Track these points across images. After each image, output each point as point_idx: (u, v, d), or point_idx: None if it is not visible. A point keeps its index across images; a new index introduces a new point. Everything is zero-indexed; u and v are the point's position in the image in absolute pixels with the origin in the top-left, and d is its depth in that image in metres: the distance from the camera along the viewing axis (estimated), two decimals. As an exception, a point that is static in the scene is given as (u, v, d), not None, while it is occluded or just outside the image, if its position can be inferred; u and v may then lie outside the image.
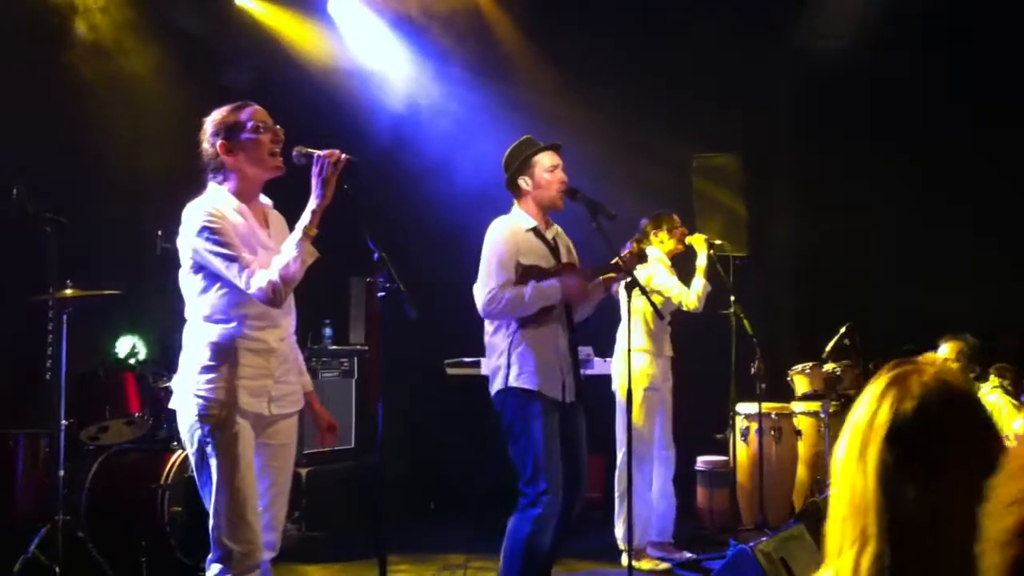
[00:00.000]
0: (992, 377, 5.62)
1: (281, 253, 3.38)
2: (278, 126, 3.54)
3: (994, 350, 5.95)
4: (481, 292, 4.39)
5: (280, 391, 3.56)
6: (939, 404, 1.41)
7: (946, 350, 5.58)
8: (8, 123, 5.78)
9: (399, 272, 3.78)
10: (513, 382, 4.32)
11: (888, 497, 1.38)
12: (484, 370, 4.64)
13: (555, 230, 4.63)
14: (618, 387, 5.94)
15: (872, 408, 1.44)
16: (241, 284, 3.32)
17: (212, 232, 3.33)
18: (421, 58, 7.96)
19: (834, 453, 1.50)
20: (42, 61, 6.36)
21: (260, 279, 3.31)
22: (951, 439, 1.40)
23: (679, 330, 6.21)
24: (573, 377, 4.46)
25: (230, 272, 3.33)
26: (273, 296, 3.33)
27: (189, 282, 3.47)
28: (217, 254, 3.33)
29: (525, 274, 4.38)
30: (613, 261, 4.60)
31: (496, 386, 4.41)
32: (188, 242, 3.39)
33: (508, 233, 4.45)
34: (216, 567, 3.35)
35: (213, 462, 3.35)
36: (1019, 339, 6.39)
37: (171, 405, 3.55)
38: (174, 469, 5.23)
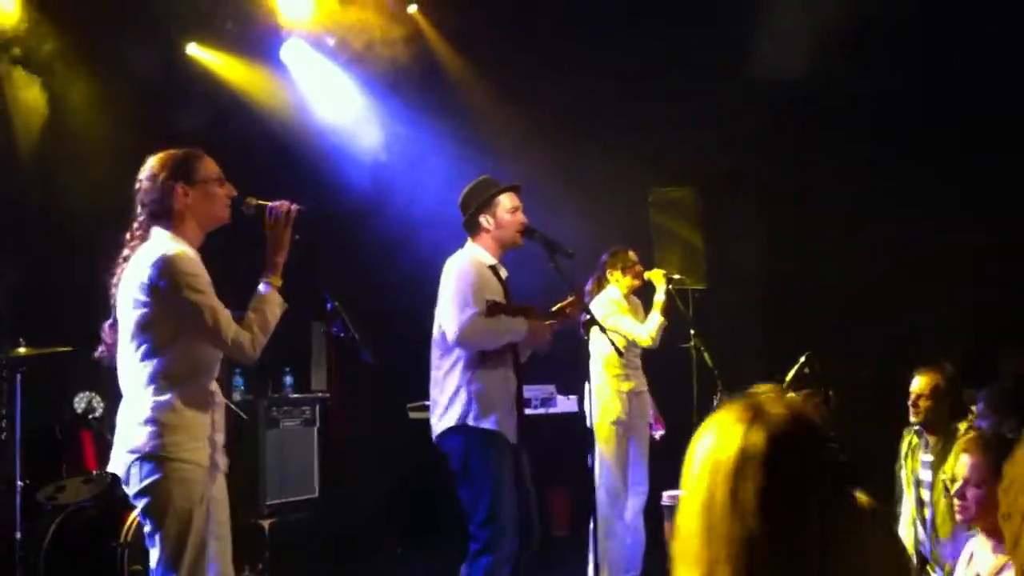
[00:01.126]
0: (970, 415, 4.89)
1: (254, 310, 3.33)
2: (227, 181, 3.50)
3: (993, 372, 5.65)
4: (455, 318, 4.33)
5: (221, 443, 3.46)
6: (789, 436, 1.38)
7: (918, 384, 4.90)
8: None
9: (356, 316, 3.77)
10: (472, 422, 4.30)
11: (741, 532, 1.34)
12: (431, 412, 4.55)
13: (505, 272, 4.64)
14: (590, 424, 5.94)
15: (736, 441, 1.40)
16: (222, 336, 3.21)
17: (188, 278, 3.19)
18: (373, 102, 7.96)
19: (680, 499, 1.46)
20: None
21: (242, 335, 3.24)
22: (801, 475, 1.37)
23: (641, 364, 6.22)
24: (519, 418, 4.47)
25: (210, 322, 3.19)
26: (253, 352, 3.28)
27: (141, 336, 3.24)
28: (196, 302, 3.18)
29: (491, 309, 4.39)
30: (558, 306, 4.62)
31: (447, 423, 4.36)
32: (149, 290, 3.19)
33: (476, 265, 4.46)
34: None
35: (171, 525, 3.19)
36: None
37: (112, 468, 3.33)
38: (133, 527, 5.13)
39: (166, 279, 3.18)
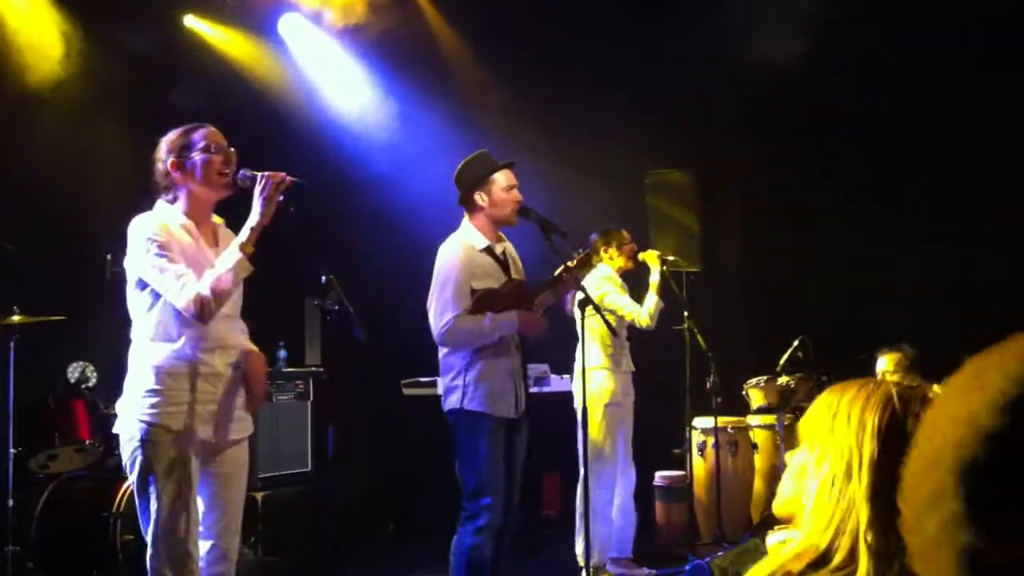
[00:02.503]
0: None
1: (214, 267, 3.36)
2: (232, 148, 3.53)
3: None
4: (437, 320, 4.41)
5: (227, 417, 3.50)
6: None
7: (884, 363, 5.42)
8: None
9: (352, 293, 3.77)
10: (467, 405, 4.40)
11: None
12: (440, 389, 4.67)
13: (504, 245, 4.66)
14: (578, 405, 5.95)
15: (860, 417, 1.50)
16: (169, 295, 3.29)
17: (153, 244, 3.30)
18: (371, 77, 7.94)
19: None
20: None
21: (188, 291, 3.27)
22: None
23: (632, 346, 6.23)
24: (524, 391, 4.55)
25: (163, 284, 3.29)
26: (201, 309, 3.29)
27: (135, 300, 3.42)
28: (153, 266, 3.30)
29: (480, 300, 4.41)
30: (558, 271, 4.63)
31: (450, 404, 4.48)
32: (131, 257, 3.37)
33: (462, 255, 4.47)
34: None
35: (153, 489, 3.28)
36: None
37: (115, 429, 3.48)
38: (126, 497, 5.15)
39: (132, 243, 3.35)
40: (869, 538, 1.43)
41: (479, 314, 4.39)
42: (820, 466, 1.53)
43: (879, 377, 4.94)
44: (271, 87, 7.71)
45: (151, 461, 3.29)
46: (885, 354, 5.39)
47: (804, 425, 1.61)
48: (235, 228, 3.66)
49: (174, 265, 3.30)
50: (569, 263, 4.62)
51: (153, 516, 3.29)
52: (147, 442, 3.30)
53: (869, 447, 1.48)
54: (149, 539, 3.31)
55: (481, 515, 4.35)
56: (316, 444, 6.90)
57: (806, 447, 1.59)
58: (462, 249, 4.50)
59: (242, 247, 3.37)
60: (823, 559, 1.47)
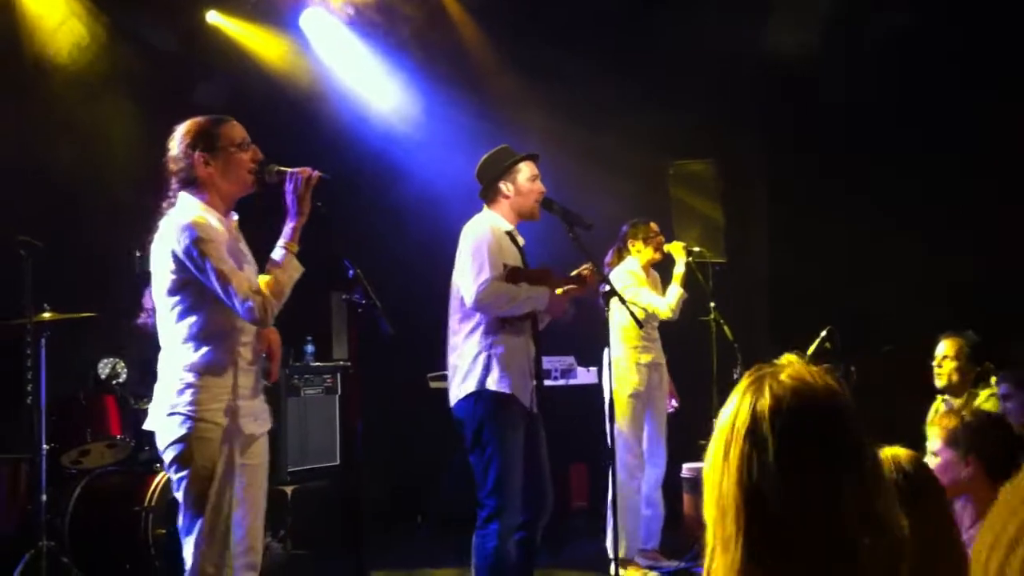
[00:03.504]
0: (992, 385, 5.04)
1: (268, 272, 3.37)
2: (255, 145, 3.53)
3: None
4: (472, 282, 4.32)
5: (260, 408, 3.54)
6: (795, 402, 1.42)
7: (944, 348, 5.14)
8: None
9: (377, 287, 3.78)
10: (492, 386, 4.30)
11: (748, 496, 1.38)
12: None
13: (522, 239, 4.64)
14: (606, 396, 5.95)
15: (734, 409, 1.45)
16: (234, 302, 3.26)
17: (205, 245, 3.25)
18: (393, 71, 7.95)
19: (704, 458, 1.51)
20: (9, 82, 6.32)
21: (253, 298, 3.27)
22: (808, 437, 1.40)
23: (660, 337, 6.22)
24: (536, 387, 4.47)
25: (222, 288, 3.25)
26: (264, 315, 3.31)
27: (170, 300, 3.37)
28: (212, 269, 3.24)
29: (509, 275, 4.39)
30: (576, 272, 4.62)
31: (466, 388, 4.37)
32: (173, 255, 3.29)
33: (493, 229, 4.46)
34: None
35: (197, 484, 3.29)
36: None
37: (147, 426, 3.47)
38: (157, 491, 5.20)
39: (184, 245, 3.26)
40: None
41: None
42: (711, 503, 1.46)
43: (935, 361, 4.89)
44: (293, 82, 7.73)
45: (195, 456, 3.29)
46: (946, 338, 5.12)
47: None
48: (245, 221, 3.65)
49: (232, 270, 3.28)
50: (583, 270, 4.59)
51: (197, 510, 3.29)
52: (191, 437, 3.29)
53: (734, 458, 1.42)
54: (192, 537, 3.30)
55: (503, 513, 4.24)
56: (344, 438, 6.93)
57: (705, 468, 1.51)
58: (490, 224, 4.49)
59: (288, 247, 3.38)
60: None
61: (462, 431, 4.42)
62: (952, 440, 3.01)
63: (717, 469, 1.42)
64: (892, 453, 2.22)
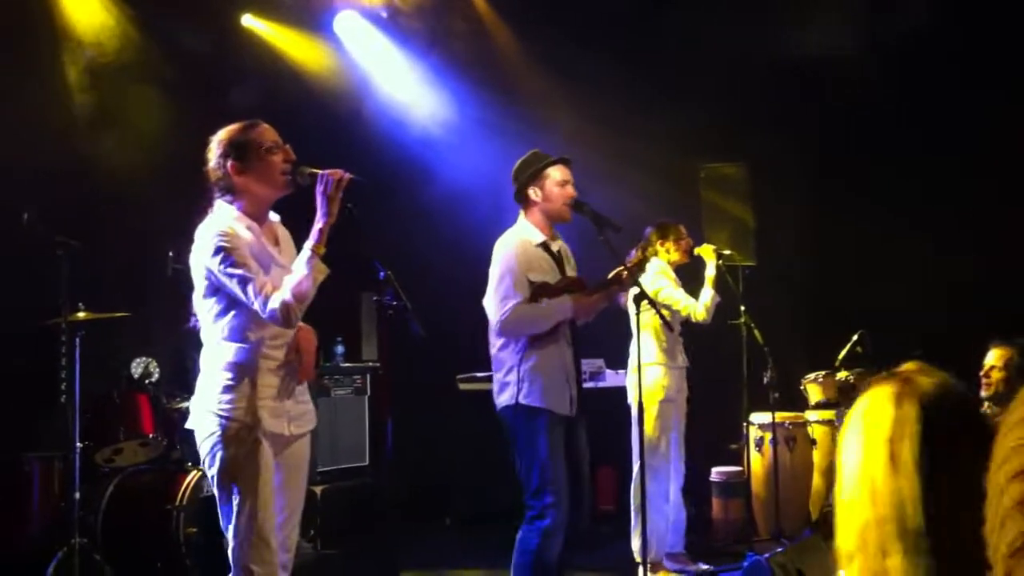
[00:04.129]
0: None
1: (292, 273, 3.40)
2: (287, 145, 3.57)
3: None
4: (495, 310, 4.41)
5: (297, 411, 3.58)
6: (954, 396, 1.49)
7: (993, 357, 5.05)
8: (16, 148, 5.83)
9: (408, 289, 3.80)
10: (524, 400, 4.39)
11: (928, 496, 1.42)
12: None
13: (559, 244, 4.66)
14: (632, 400, 5.94)
15: (889, 412, 1.48)
16: (256, 306, 3.32)
17: (226, 253, 3.32)
18: (426, 74, 7.98)
19: (841, 462, 1.52)
20: (48, 86, 6.41)
21: (273, 300, 3.31)
22: (971, 435, 1.45)
23: (689, 341, 6.20)
24: (577, 389, 4.51)
25: (244, 293, 3.32)
26: (287, 316, 3.34)
27: (205, 304, 3.46)
28: (232, 275, 3.31)
29: (536, 292, 4.42)
30: (614, 272, 4.62)
31: (504, 400, 4.46)
32: (202, 264, 3.38)
33: (519, 249, 4.48)
34: None
35: (235, 483, 3.34)
36: None
37: (188, 425, 3.54)
38: (188, 490, 5.25)
39: (208, 254, 3.34)
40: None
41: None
42: (870, 506, 1.48)
43: (983, 370, 4.85)
44: (327, 85, 7.78)
45: (232, 455, 3.35)
46: (996, 347, 5.03)
47: (842, 444, 1.58)
48: (287, 224, 3.71)
49: (253, 274, 3.33)
50: (627, 264, 4.61)
51: (235, 509, 3.34)
52: (227, 436, 3.35)
53: (910, 491, 1.45)
54: (231, 532, 3.35)
55: (547, 515, 4.30)
56: (373, 438, 6.96)
57: (855, 478, 1.53)
58: (519, 242, 4.51)
59: (314, 249, 3.41)
60: None
61: (507, 434, 4.50)
62: None
63: (884, 474, 1.45)
64: None
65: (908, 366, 1.56)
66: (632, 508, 5.93)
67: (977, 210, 6.87)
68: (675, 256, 6.16)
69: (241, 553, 3.33)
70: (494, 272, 4.50)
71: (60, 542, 5.07)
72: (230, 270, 3.32)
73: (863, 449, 1.49)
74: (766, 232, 7.38)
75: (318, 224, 3.44)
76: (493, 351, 4.56)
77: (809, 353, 7.38)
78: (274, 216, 3.65)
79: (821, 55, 7.12)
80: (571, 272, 4.64)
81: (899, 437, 1.46)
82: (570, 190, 4.60)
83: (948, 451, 1.44)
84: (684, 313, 5.97)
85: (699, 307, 5.94)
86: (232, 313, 3.41)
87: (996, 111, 6.79)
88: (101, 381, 5.75)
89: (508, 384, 4.43)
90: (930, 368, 1.55)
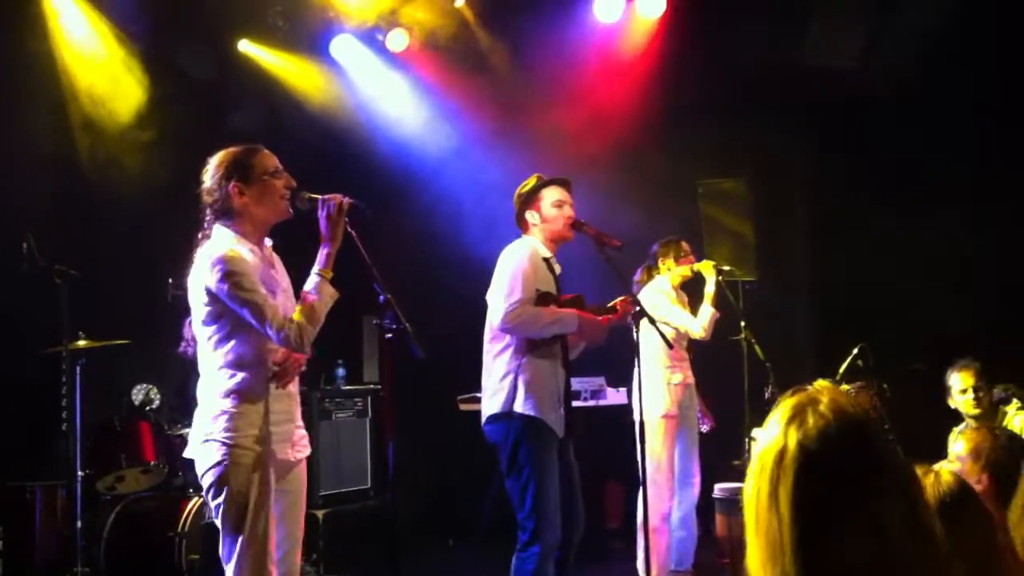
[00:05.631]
0: (1015, 400, 5.15)
1: (303, 298, 3.40)
2: (286, 172, 3.57)
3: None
4: (502, 303, 4.36)
5: (298, 435, 3.57)
6: (839, 433, 1.39)
7: (968, 378, 5.10)
8: (15, 176, 5.84)
9: (408, 308, 3.80)
10: (519, 408, 4.32)
11: (806, 538, 1.35)
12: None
13: (558, 268, 4.66)
14: (636, 418, 5.93)
15: (775, 443, 1.42)
16: (269, 331, 3.29)
17: (235, 278, 3.29)
18: (424, 97, 8.00)
19: (743, 492, 1.47)
20: (47, 114, 6.43)
21: (287, 325, 3.31)
22: (857, 468, 1.38)
23: (690, 358, 6.19)
24: (566, 411, 4.47)
25: (256, 318, 3.29)
26: (300, 342, 3.34)
27: (205, 332, 3.42)
28: (245, 301, 3.29)
29: (542, 299, 4.41)
30: (610, 304, 4.62)
31: (494, 408, 4.39)
32: (205, 289, 3.34)
33: (531, 254, 4.48)
34: None
35: (238, 510, 3.30)
36: None
37: (187, 454, 3.50)
38: (191, 516, 5.23)
39: (215, 279, 3.30)
40: None
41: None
42: (755, 539, 1.44)
43: (970, 394, 4.91)
44: (325, 109, 7.80)
45: (238, 484, 3.31)
46: (962, 371, 5.10)
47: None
48: (280, 248, 3.70)
49: (264, 300, 3.32)
50: (618, 303, 4.60)
51: (235, 535, 3.31)
52: (231, 464, 3.31)
53: (787, 532, 1.38)
54: (234, 559, 3.31)
55: (538, 539, 4.23)
56: (375, 461, 6.95)
57: (747, 508, 1.49)
58: (530, 250, 4.50)
59: (322, 273, 3.42)
60: None
61: (497, 454, 4.43)
62: (976, 453, 3.04)
63: (764, 507, 1.39)
64: (934, 473, 2.21)
65: (816, 386, 1.47)
66: (636, 526, 5.91)
67: (982, 219, 6.86)
68: (679, 274, 6.16)
69: None
70: (502, 270, 4.46)
71: (63, 571, 5.06)
72: (242, 295, 3.29)
73: (753, 474, 1.43)
74: (767, 246, 7.39)
75: (324, 249, 3.45)
76: (487, 357, 4.50)
77: (811, 367, 7.36)
78: (267, 241, 3.63)
79: (819, 67, 7.13)
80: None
81: (780, 474, 1.39)
82: (568, 211, 4.60)
83: (831, 491, 1.35)
84: (682, 331, 5.97)
85: (696, 327, 5.94)
86: (235, 340, 3.37)
87: (999, 113, 6.78)
88: (102, 409, 5.75)
89: (500, 390, 4.37)
90: (840, 394, 1.45)
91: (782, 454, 1.40)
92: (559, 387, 4.45)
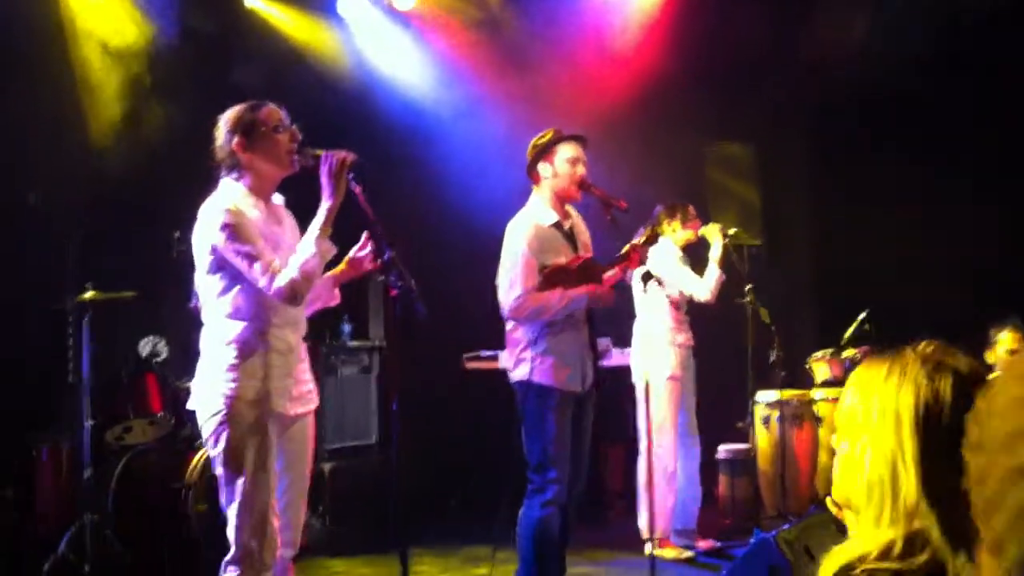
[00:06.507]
0: None
1: (298, 252, 3.41)
2: (294, 126, 3.58)
3: None
4: (507, 296, 4.43)
5: (299, 390, 3.59)
6: (976, 386, 1.42)
7: (1009, 337, 5.06)
8: (21, 131, 5.84)
9: (414, 268, 3.81)
10: (535, 377, 4.41)
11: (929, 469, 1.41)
12: (503, 363, 4.70)
13: (572, 221, 4.65)
14: (637, 378, 5.96)
15: (899, 395, 1.46)
16: (261, 283, 3.32)
17: (232, 230, 3.32)
18: (431, 55, 7.96)
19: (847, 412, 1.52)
20: (52, 66, 6.41)
21: (281, 278, 3.32)
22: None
23: (694, 320, 6.21)
24: (592, 366, 4.52)
25: (251, 271, 3.32)
26: (293, 295, 3.35)
27: (208, 282, 3.45)
28: (238, 252, 3.32)
29: (549, 277, 4.42)
30: (624, 250, 4.62)
31: (517, 376, 4.49)
32: (207, 241, 3.38)
33: (531, 233, 4.47)
34: (234, 568, 3.35)
35: (237, 462, 3.35)
36: None
37: (190, 405, 3.54)
38: (197, 468, 5.28)
39: (214, 230, 3.34)
40: (930, 531, 1.41)
41: (549, 290, 4.40)
42: (863, 464, 1.49)
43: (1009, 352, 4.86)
44: (331, 66, 7.77)
45: (235, 435, 3.35)
46: (1013, 331, 5.04)
47: (840, 417, 1.58)
48: (292, 206, 3.72)
49: (260, 252, 3.33)
50: (636, 241, 4.61)
51: (237, 488, 3.35)
52: (231, 416, 3.35)
53: (910, 445, 1.45)
54: (233, 510, 3.36)
55: (548, 488, 4.35)
56: (380, 417, 6.99)
57: (847, 440, 1.55)
58: (530, 226, 4.50)
59: (321, 228, 3.43)
60: (886, 553, 1.45)
61: (518, 410, 4.53)
62: None
63: (887, 441, 1.44)
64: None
65: (924, 344, 1.53)
66: (639, 486, 5.96)
67: (993, 187, 6.84)
68: (685, 236, 6.17)
69: (241, 532, 3.34)
70: (505, 255, 4.50)
71: (71, 519, 5.13)
72: (236, 246, 3.32)
73: (888, 429, 1.46)
74: (772, 211, 7.38)
75: (325, 204, 3.45)
76: (507, 328, 4.57)
77: (816, 331, 7.39)
78: (278, 198, 3.65)
79: (829, 35, 7.08)
80: (583, 249, 4.64)
81: (930, 425, 1.43)
82: (580, 169, 4.59)
83: (957, 434, 1.41)
84: (688, 293, 5.98)
85: (702, 288, 5.95)
86: (236, 290, 3.40)
87: (1009, 74, 6.74)
88: (110, 361, 5.79)
89: (523, 361, 4.46)
90: (957, 352, 1.51)
91: (932, 404, 1.45)
92: (581, 344, 4.50)
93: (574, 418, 4.48)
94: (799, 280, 7.90)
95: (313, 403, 3.68)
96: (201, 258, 3.44)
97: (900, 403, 1.46)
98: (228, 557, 3.38)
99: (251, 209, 3.44)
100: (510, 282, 4.42)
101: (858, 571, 1.44)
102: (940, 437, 1.41)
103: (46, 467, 5.59)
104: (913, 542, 1.43)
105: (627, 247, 4.61)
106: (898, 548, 1.44)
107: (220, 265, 3.40)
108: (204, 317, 3.51)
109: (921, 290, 6.78)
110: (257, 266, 3.32)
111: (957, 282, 6.71)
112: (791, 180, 7.94)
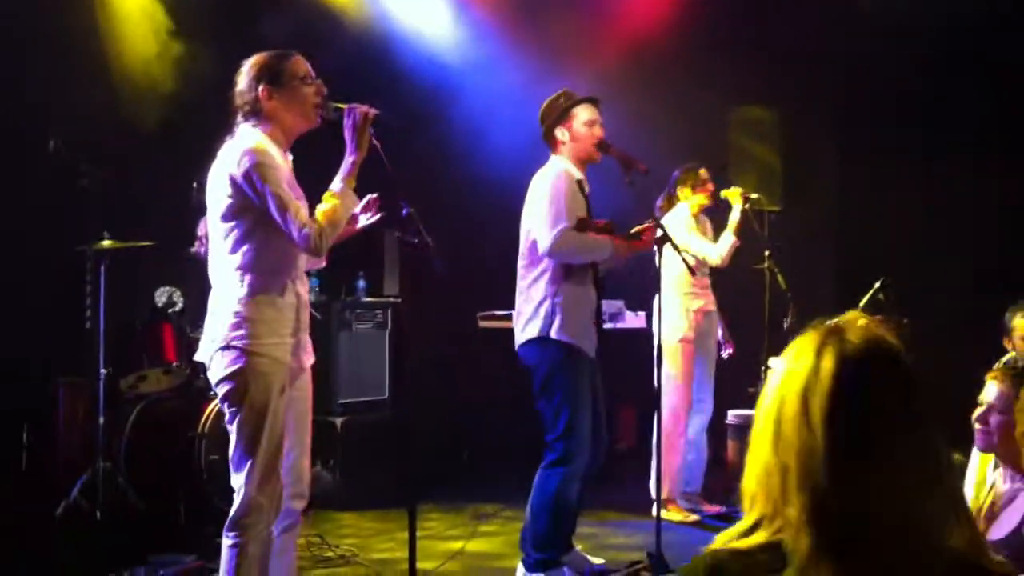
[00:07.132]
0: None
1: (324, 203, 3.39)
2: (319, 80, 3.54)
3: None
4: (548, 230, 4.34)
5: (304, 343, 3.56)
6: (867, 363, 1.38)
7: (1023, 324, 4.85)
8: (42, 77, 5.82)
9: (430, 225, 3.80)
10: (556, 334, 4.35)
11: (836, 456, 1.34)
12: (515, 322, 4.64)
13: (588, 188, 4.63)
14: (655, 341, 5.97)
15: (809, 361, 1.40)
16: (291, 227, 3.25)
17: (264, 170, 3.24)
18: (456, 12, 7.89)
19: (755, 419, 1.47)
20: (78, 13, 6.38)
21: (310, 224, 3.28)
22: (897, 398, 1.38)
23: (712, 285, 6.20)
24: (598, 334, 4.52)
25: (279, 212, 3.24)
26: (320, 244, 3.31)
27: (223, 228, 3.35)
28: (270, 192, 3.23)
29: (579, 225, 4.40)
30: (638, 228, 4.60)
31: (530, 334, 4.42)
32: (231, 179, 3.28)
33: (566, 178, 4.45)
34: (244, 520, 3.31)
35: (249, 414, 3.31)
36: None
37: (198, 357, 3.49)
38: (211, 418, 5.31)
39: (243, 170, 3.25)
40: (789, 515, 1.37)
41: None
42: (773, 452, 1.43)
43: (1010, 336, 4.78)
44: (356, 19, 7.70)
45: (248, 387, 3.29)
46: (1019, 316, 4.83)
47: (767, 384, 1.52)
48: (299, 159, 3.67)
49: (289, 196, 3.27)
50: (643, 229, 4.57)
51: (250, 445, 3.30)
52: (247, 372, 3.29)
53: (817, 447, 1.37)
54: (245, 469, 3.31)
55: (570, 459, 4.30)
56: (394, 372, 7.01)
57: (764, 424, 1.48)
58: (564, 172, 4.48)
59: (346, 181, 3.40)
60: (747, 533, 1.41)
61: (531, 376, 4.47)
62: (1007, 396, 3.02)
63: (793, 426, 1.38)
64: None
65: (848, 316, 1.45)
66: (652, 447, 5.97)
67: (1008, 158, 6.75)
68: (698, 200, 6.14)
69: (251, 484, 3.31)
70: (542, 195, 4.43)
71: (85, 466, 5.17)
72: (270, 187, 3.24)
73: (777, 394, 1.41)
74: (793, 177, 7.31)
75: (349, 158, 3.43)
76: (523, 282, 4.51)
77: (832, 299, 7.35)
78: (288, 155, 3.58)
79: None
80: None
81: (812, 390, 1.37)
82: (598, 130, 4.56)
83: (867, 411, 1.35)
84: (700, 258, 5.97)
85: (714, 253, 5.96)
86: (254, 240, 3.32)
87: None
88: (125, 309, 5.80)
89: (536, 316, 4.39)
90: (869, 320, 1.44)
91: (815, 374, 1.38)
92: (592, 309, 4.48)
93: (592, 386, 4.46)
94: (818, 247, 7.84)
95: (313, 356, 3.66)
96: (219, 203, 3.35)
97: (786, 378, 1.41)
98: (234, 511, 3.33)
99: (278, 155, 3.39)
100: (555, 215, 4.33)
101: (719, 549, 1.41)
102: (814, 416, 1.36)
103: (63, 406, 5.63)
104: (761, 524, 1.40)
105: (639, 228, 4.59)
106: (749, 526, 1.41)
107: (240, 209, 3.30)
108: (215, 269, 3.42)
109: (944, 256, 6.73)
110: (290, 212, 3.25)
111: (982, 248, 6.65)
112: (814, 146, 7.85)
